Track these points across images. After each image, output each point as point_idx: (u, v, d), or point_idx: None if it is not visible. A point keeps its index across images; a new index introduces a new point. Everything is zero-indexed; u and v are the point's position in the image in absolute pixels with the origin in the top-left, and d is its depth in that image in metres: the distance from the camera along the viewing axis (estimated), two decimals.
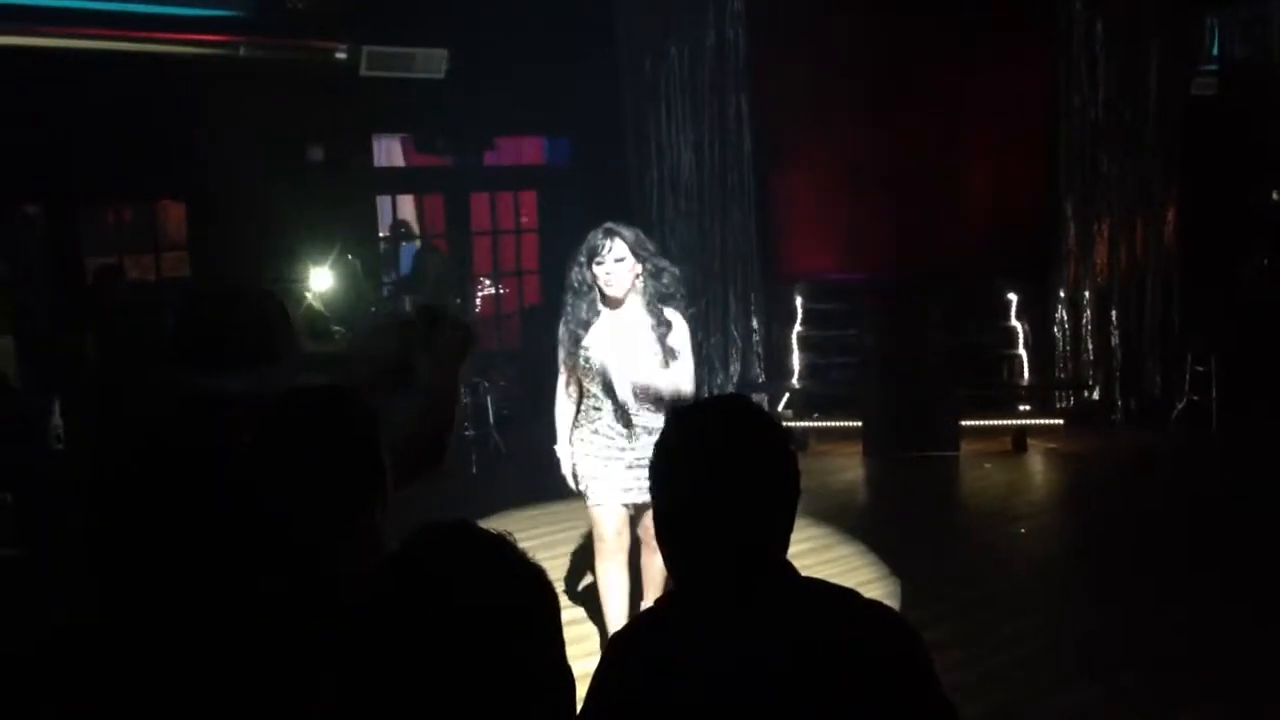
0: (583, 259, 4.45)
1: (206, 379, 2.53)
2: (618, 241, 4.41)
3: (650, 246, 4.50)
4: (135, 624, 1.87)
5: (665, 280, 4.46)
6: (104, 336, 6.53)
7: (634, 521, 4.61)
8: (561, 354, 4.53)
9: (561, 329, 4.53)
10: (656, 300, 4.45)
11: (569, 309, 4.49)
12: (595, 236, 4.44)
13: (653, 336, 4.42)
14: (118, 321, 6.77)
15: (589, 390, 4.50)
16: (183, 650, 1.81)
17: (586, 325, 4.44)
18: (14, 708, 1.76)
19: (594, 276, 4.43)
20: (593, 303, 4.46)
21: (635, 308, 4.46)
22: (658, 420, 4.31)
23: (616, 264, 4.41)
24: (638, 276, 4.43)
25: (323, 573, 1.95)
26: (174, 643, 1.82)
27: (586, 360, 4.44)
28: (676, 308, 4.48)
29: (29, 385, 5.44)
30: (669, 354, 4.41)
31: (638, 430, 4.42)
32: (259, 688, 1.81)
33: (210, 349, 2.56)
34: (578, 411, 4.58)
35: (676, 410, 2.00)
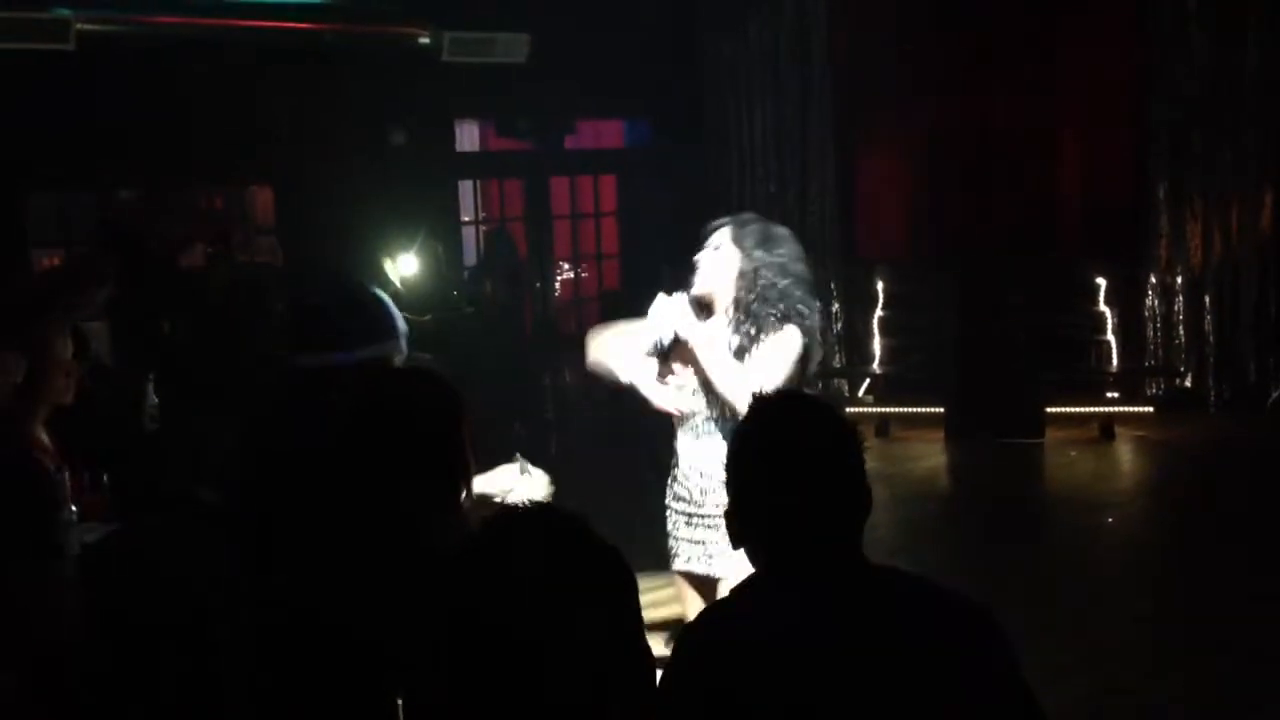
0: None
1: (309, 358, 2.57)
2: (722, 231, 3.44)
3: (771, 252, 3.38)
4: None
5: (757, 295, 3.32)
6: (198, 318, 6.68)
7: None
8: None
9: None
10: (746, 317, 3.34)
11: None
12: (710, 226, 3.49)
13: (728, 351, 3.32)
14: (209, 303, 6.93)
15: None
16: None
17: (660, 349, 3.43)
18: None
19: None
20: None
21: (721, 322, 3.40)
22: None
23: (712, 254, 3.40)
24: (741, 278, 3.36)
25: (420, 544, 2.01)
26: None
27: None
28: (774, 326, 3.33)
29: (122, 368, 5.60)
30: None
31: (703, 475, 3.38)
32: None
33: (320, 332, 2.58)
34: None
35: (753, 404, 1.99)
